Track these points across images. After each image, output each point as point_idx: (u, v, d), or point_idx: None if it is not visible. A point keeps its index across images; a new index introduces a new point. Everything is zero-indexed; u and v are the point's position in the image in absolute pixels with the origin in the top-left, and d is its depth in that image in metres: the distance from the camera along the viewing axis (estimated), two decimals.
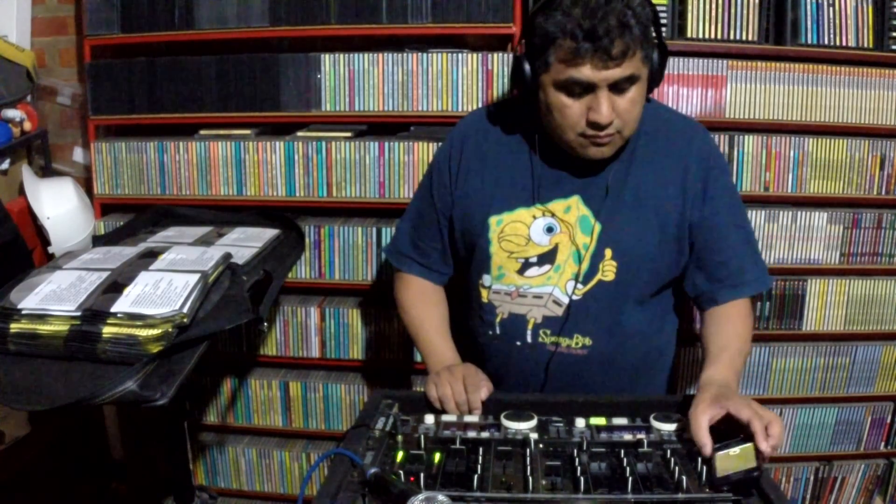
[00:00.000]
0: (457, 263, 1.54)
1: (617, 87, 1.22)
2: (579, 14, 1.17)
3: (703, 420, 1.10)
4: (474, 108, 1.96)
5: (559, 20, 1.19)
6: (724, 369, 1.25)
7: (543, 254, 1.37)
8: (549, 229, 1.37)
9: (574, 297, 1.36)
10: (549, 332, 1.38)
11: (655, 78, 1.30)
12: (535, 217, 1.37)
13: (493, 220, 1.39)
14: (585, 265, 1.35)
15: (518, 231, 1.38)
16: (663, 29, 1.90)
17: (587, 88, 1.22)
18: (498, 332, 1.41)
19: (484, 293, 1.43)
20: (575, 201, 1.36)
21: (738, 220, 1.40)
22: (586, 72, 1.19)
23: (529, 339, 1.39)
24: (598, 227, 1.34)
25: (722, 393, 1.14)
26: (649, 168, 1.36)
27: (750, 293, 1.39)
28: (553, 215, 1.37)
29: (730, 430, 1.09)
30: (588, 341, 1.37)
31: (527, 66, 1.28)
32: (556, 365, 1.38)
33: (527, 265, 1.38)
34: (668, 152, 1.37)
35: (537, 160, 1.38)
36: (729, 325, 1.35)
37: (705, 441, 1.07)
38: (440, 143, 1.53)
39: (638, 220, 1.35)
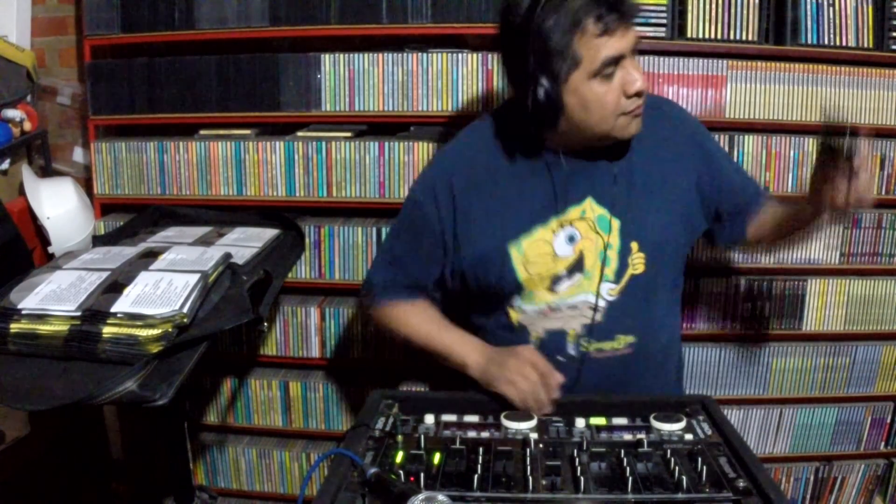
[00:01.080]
0: (467, 294, 1.45)
1: (633, 52, 1.24)
2: None
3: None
4: (475, 108, 1.96)
5: (573, 10, 1.17)
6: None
7: (571, 264, 1.34)
8: (571, 238, 1.34)
9: (610, 298, 1.34)
10: (591, 339, 1.35)
11: None
12: (554, 232, 1.34)
13: (512, 248, 1.35)
14: (615, 263, 1.34)
15: (543, 250, 1.34)
16: (662, 29, 1.92)
17: (616, 63, 1.21)
18: None
19: (514, 316, 1.39)
20: (588, 204, 1.34)
21: (734, 164, 1.52)
22: (617, 44, 1.19)
23: (573, 352, 1.36)
24: (616, 223, 1.34)
25: None
26: (649, 154, 1.36)
27: (769, 195, 1.48)
28: (571, 224, 1.34)
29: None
30: (631, 338, 1.36)
31: (547, 83, 1.21)
32: (601, 371, 1.35)
33: (556, 280, 1.35)
34: (662, 137, 1.38)
35: (539, 174, 1.34)
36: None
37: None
38: (417, 185, 1.44)
39: (654, 207, 1.35)
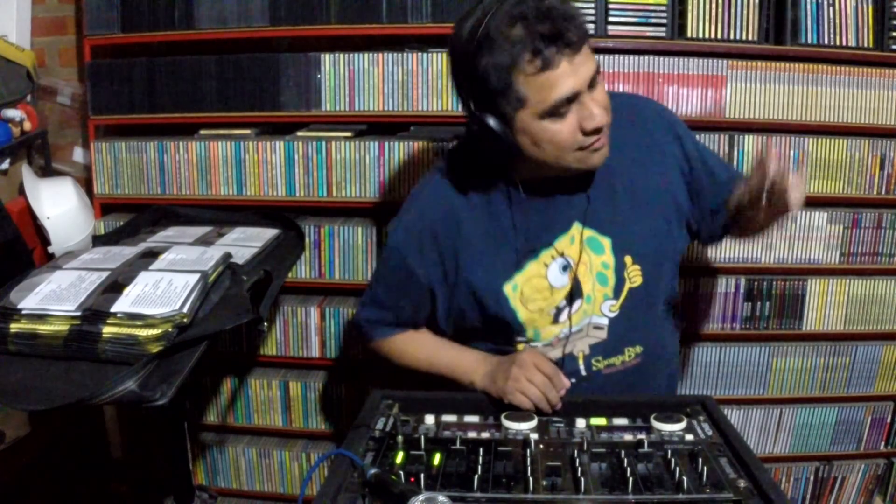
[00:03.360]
0: (466, 329, 1.42)
1: (590, 86, 1.16)
2: (527, 24, 1.09)
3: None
4: None
5: (507, 47, 1.10)
6: None
7: (569, 293, 1.33)
8: (565, 267, 1.32)
9: (612, 315, 1.34)
10: (600, 357, 1.35)
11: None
12: (547, 265, 1.32)
13: (507, 288, 1.32)
14: (613, 281, 1.33)
15: (539, 286, 1.32)
16: (662, 29, 1.92)
17: (571, 101, 1.15)
18: None
19: (521, 347, 1.37)
20: (576, 229, 1.32)
21: (713, 156, 1.43)
22: (567, 81, 1.12)
23: (584, 372, 1.35)
24: (607, 241, 1.32)
25: None
26: (628, 162, 1.32)
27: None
28: (562, 253, 1.32)
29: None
30: (639, 349, 1.36)
31: (492, 121, 1.16)
32: (613, 384, 1.35)
33: (558, 311, 1.34)
34: (638, 140, 1.34)
35: (521, 208, 1.30)
36: None
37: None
38: (397, 234, 1.38)
39: (642, 216, 1.33)
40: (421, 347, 1.45)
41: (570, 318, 1.33)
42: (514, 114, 1.16)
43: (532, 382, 1.23)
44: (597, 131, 1.18)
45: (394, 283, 1.41)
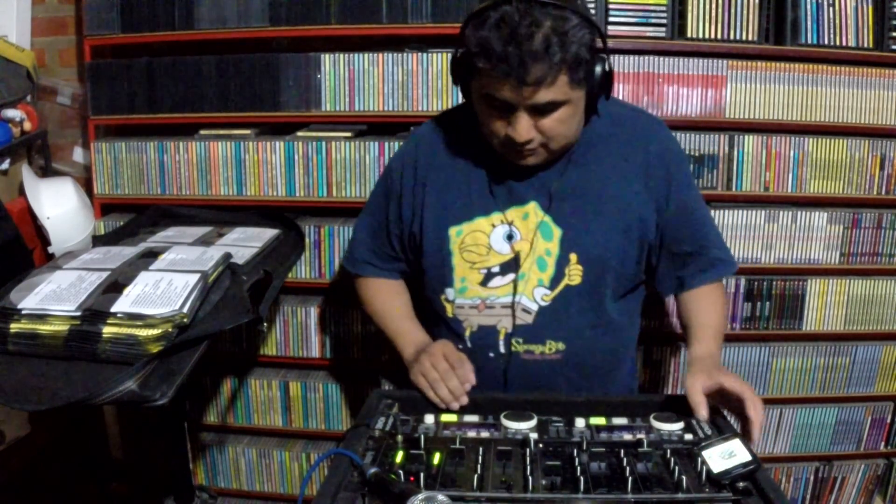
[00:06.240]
0: (415, 275, 1.51)
1: (538, 109, 1.20)
2: (500, 36, 1.13)
3: (697, 386, 1.17)
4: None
5: (481, 36, 1.16)
6: (710, 345, 1.31)
7: (505, 262, 1.36)
8: (510, 237, 1.36)
9: (542, 304, 1.36)
10: (521, 340, 1.37)
11: (600, 90, 1.25)
12: (493, 225, 1.37)
13: (452, 230, 1.38)
14: (552, 270, 1.35)
15: (478, 240, 1.37)
16: (662, 29, 1.92)
17: (503, 106, 1.21)
18: (469, 345, 1.40)
19: (448, 307, 1.41)
20: (532, 207, 1.35)
21: (703, 208, 1.44)
22: (505, 93, 1.18)
23: (502, 349, 1.37)
24: (558, 232, 1.34)
25: (715, 367, 1.24)
26: (610, 170, 1.35)
27: (722, 274, 1.43)
28: (512, 223, 1.36)
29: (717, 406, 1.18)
30: (561, 346, 1.36)
31: (460, 72, 1.28)
32: (530, 372, 1.36)
33: (489, 276, 1.37)
34: (628, 154, 1.36)
35: (492, 167, 1.37)
36: (708, 303, 1.39)
37: (700, 401, 1.16)
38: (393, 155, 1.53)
39: (601, 223, 1.34)
40: (385, 304, 1.53)
41: (512, 285, 1.36)
42: (470, 80, 1.27)
43: (434, 368, 1.28)
44: (517, 143, 1.24)
45: (379, 193, 1.51)
